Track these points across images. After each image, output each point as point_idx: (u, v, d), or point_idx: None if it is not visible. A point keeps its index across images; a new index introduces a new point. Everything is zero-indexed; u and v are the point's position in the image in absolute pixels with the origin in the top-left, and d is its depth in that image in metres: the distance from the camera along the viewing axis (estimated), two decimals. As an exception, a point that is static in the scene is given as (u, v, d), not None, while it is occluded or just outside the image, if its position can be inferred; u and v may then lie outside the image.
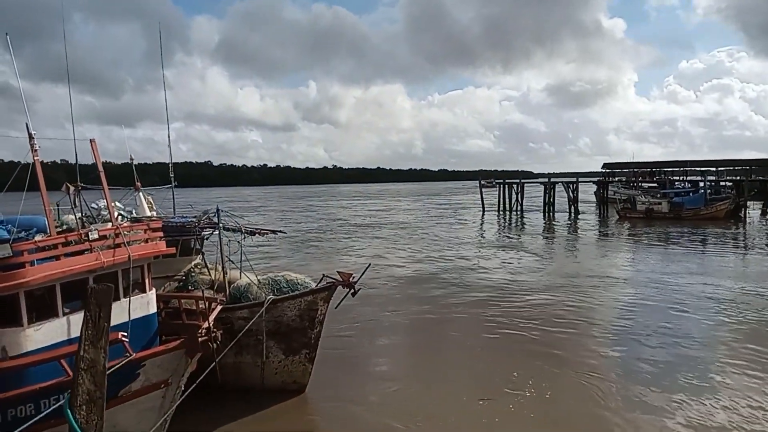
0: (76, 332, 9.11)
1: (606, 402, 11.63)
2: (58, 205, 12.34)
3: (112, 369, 7.80)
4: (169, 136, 17.58)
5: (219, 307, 10.38)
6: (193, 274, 13.91)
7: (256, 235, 13.35)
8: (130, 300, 9.78)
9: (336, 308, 11.74)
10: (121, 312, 9.72)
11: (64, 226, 12.35)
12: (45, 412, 7.64)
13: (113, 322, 9.64)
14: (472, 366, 14.12)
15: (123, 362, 7.93)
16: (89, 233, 9.37)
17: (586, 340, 16.02)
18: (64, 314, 9.04)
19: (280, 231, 14.59)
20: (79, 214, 12.35)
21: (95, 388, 6.95)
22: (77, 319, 9.15)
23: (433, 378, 13.29)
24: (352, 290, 11.32)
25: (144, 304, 10.31)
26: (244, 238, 13.18)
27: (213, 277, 13.89)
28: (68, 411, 6.96)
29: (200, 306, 11.11)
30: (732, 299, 20.70)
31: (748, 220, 53.09)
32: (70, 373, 7.96)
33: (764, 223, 52.89)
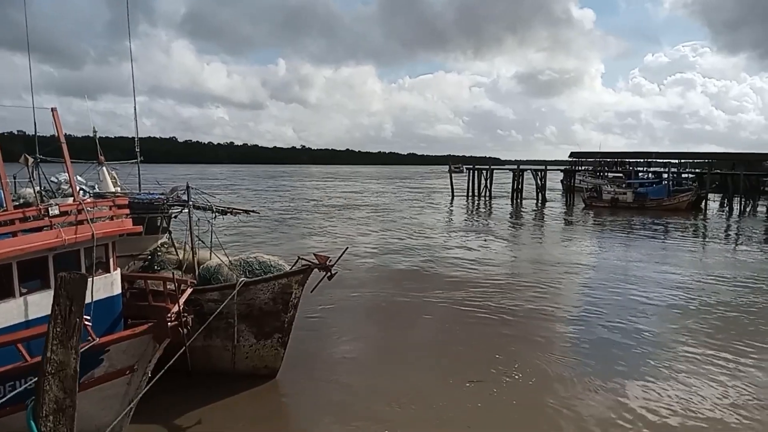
0: (34, 314, 8.59)
1: (582, 387, 11.67)
2: (15, 178, 11.62)
3: (74, 354, 7.33)
4: (135, 109, 16.78)
5: (189, 290, 9.91)
6: (159, 253, 13.33)
7: (228, 214, 12.83)
8: (93, 280, 9.22)
9: (312, 292, 11.38)
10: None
11: (21, 200, 11.66)
12: (1, 400, 7.12)
13: (74, 303, 9.17)
14: (453, 349, 13.99)
15: (85, 347, 7.43)
16: (49, 208, 8.77)
17: (557, 326, 16.14)
18: (21, 294, 8.48)
19: (253, 211, 14.05)
20: (38, 187, 11.66)
21: (65, 395, 6.02)
22: (35, 299, 8.63)
23: (413, 360, 13.13)
24: (329, 274, 10.98)
25: (108, 284, 9.79)
26: (215, 217, 12.64)
27: (180, 257, 13.37)
28: (31, 422, 6.05)
29: (168, 287, 10.62)
30: (692, 286, 21.33)
31: (708, 211, 54.70)
32: (28, 359, 7.46)
33: (723, 215, 54.57)
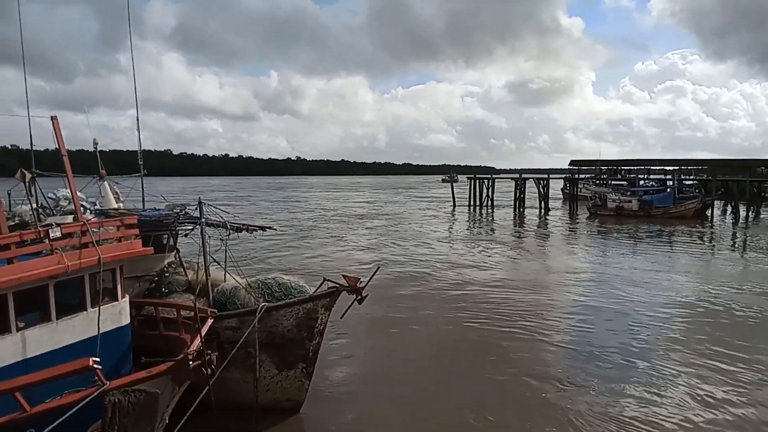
0: (32, 351, 7.50)
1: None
2: (9, 195, 10.58)
3: (82, 402, 6.28)
4: (138, 119, 15.64)
5: (210, 321, 8.84)
6: (166, 274, 12.27)
7: (244, 231, 11.77)
8: (99, 311, 8.18)
9: (341, 318, 10.33)
10: (88, 325, 8.13)
11: (17, 219, 10.62)
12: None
13: (79, 337, 8.10)
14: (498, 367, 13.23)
15: (95, 393, 6.39)
16: (50, 230, 7.71)
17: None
18: (18, 329, 7.39)
19: (270, 227, 12.98)
20: (35, 204, 10.61)
21: None
22: (34, 334, 7.54)
23: (457, 379, 12.35)
24: (359, 297, 9.94)
25: (115, 314, 8.71)
26: (229, 234, 11.57)
27: (190, 278, 12.30)
28: None
29: (181, 314, 9.55)
30: (704, 298, 20.66)
31: (713, 219, 53.95)
32: (28, 408, 6.39)
33: (728, 221, 53.82)
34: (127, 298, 9.05)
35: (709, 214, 54.61)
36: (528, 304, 19.41)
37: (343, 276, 10.07)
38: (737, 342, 15.20)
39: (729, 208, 61.40)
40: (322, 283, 10.50)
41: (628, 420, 10.50)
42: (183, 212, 11.79)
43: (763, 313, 18.36)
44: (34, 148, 12.13)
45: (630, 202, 56.36)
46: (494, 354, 14.19)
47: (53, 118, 8.55)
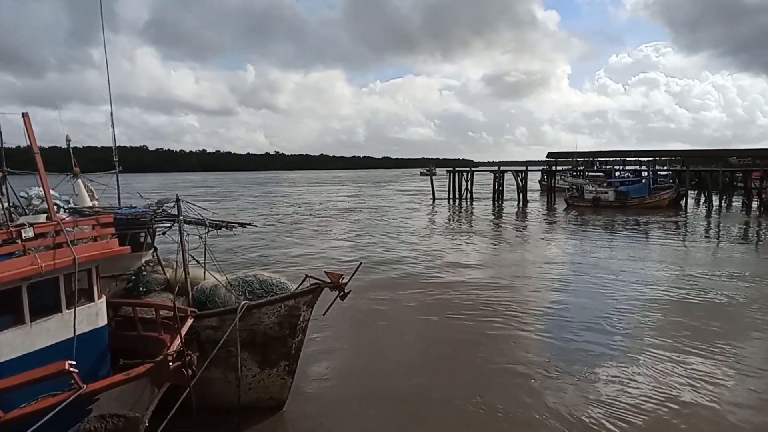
0: (5, 355, 7.28)
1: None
2: (-22, 195, 10.24)
3: (59, 407, 6.13)
4: (112, 115, 15.33)
5: (190, 321, 8.69)
6: (144, 273, 12.03)
7: (223, 228, 11.59)
8: (75, 312, 7.98)
9: (324, 315, 10.25)
10: (64, 327, 7.94)
11: (-12, 219, 10.29)
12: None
13: (54, 339, 7.91)
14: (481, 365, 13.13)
15: (72, 398, 6.23)
16: (22, 230, 7.49)
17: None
18: (-10, 333, 7.18)
19: (250, 224, 12.78)
20: (6, 203, 10.31)
21: None
22: (7, 338, 7.34)
23: (438, 373, 12.22)
24: (342, 293, 9.86)
25: (92, 315, 8.51)
26: (208, 231, 11.39)
27: (168, 277, 12.08)
28: None
29: (161, 314, 9.37)
30: (681, 286, 21.08)
31: (687, 208, 54.99)
32: (1, 414, 6.21)
33: (701, 211, 54.91)
34: (103, 298, 8.86)
35: (683, 204, 55.65)
36: (510, 296, 19.57)
37: (326, 272, 9.98)
38: (714, 327, 15.58)
39: (702, 198, 62.69)
40: (304, 279, 10.41)
41: (614, 403, 10.75)
42: (160, 209, 11.57)
43: (738, 299, 18.81)
44: (4, 145, 11.79)
45: (606, 193, 57.17)
46: (478, 346, 14.26)
47: (24, 115, 8.27)
